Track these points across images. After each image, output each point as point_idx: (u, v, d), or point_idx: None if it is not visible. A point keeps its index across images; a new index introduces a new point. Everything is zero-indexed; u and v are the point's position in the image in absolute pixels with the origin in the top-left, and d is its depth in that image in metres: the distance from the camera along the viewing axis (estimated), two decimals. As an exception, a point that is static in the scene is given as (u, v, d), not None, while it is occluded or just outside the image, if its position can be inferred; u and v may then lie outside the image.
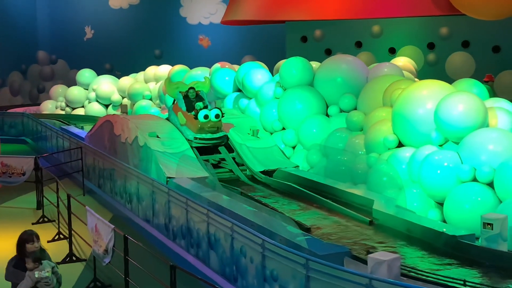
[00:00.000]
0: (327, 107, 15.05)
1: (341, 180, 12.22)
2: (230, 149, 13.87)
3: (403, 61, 20.16)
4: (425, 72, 21.60)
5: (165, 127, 14.12)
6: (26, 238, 7.04)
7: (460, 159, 10.58)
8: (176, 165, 12.71)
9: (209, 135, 13.41)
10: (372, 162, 12.08)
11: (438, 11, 21.83)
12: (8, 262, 7.14)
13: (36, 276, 6.78)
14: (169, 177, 12.27)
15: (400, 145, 12.09)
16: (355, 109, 14.26)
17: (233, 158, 13.69)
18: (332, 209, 10.75)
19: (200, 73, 19.90)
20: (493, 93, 16.21)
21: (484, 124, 10.90)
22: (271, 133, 15.60)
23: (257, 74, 17.02)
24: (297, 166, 13.58)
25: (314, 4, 23.24)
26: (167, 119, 14.81)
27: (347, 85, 14.83)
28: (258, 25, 26.85)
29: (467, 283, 6.99)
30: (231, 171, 13.51)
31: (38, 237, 7.08)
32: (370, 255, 7.13)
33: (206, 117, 13.29)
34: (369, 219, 9.93)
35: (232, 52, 27.73)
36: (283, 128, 15.48)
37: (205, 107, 13.89)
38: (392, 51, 23.74)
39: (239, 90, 17.72)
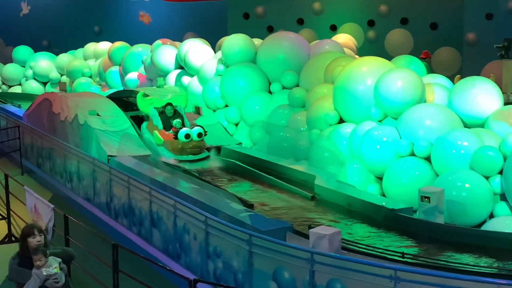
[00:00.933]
0: (270, 84, 15.09)
1: (284, 156, 12.34)
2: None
3: (343, 38, 20.35)
4: (365, 49, 21.87)
5: (106, 105, 13.87)
6: (27, 232, 6.34)
7: (399, 134, 10.81)
8: (117, 144, 12.55)
9: (190, 157, 12.13)
10: (314, 138, 12.22)
11: (377, -11, 22.12)
12: (10, 260, 6.49)
13: (44, 274, 6.19)
14: (110, 156, 12.11)
15: (341, 121, 12.25)
16: (297, 86, 14.35)
17: (176, 136, 13.60)
18: (275, 185, 10.84)
19: (141, 50, 19.58)
20: (430, 70, 16.59)
21: (422, 99, 11.15)
22: (214, 111, 15.55)
23: (199, 51, 16.88)
24: (240, 143, 13.62)
25: (256, -19, 23.18)
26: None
27: (289, 62, 14.88)
28: (200, 1, 26.60)
29: (405, 255, 7.19)
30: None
31: (40, 230, 6.38)
32: (311, 230, 7.24)
33: (187, 136, 12.07)
34: (311, 195, 10.06)
35: (174, 29, 27.35)
36: (226, 106, 15.45)
37: (183, 125, 12.61)
38: (333, 28, 23.92)
39: (181, 68, 17.55)
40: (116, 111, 13.63)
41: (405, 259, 7.14)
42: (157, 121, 12.66)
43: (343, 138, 11.74)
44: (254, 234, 7.14)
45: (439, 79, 12.40)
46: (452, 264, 6.98)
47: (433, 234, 8.18)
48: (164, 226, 9.15)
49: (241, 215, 8.41)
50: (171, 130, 12.31)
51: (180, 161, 12.01)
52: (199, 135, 12.24)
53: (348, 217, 9.07)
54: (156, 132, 12.49)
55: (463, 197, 9.23)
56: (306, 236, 7.55)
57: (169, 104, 12.92)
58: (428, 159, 10.34)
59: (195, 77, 16.65)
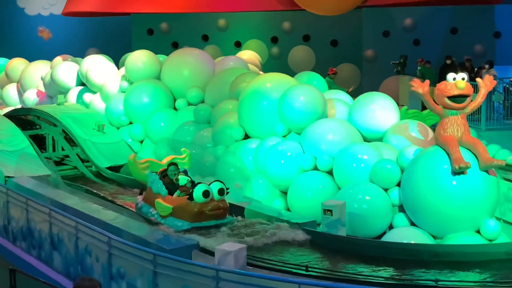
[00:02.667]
0: (175, 100, 15.00)
1: (190, 173, 12.23)
2: (75, 144, 13.40)
3: (248, 54, 20.56)
4: (269, 65, 22.18)
5: (2, 124, 13.32)
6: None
7: (302, 149, 11.00)
8: (15, 164, 12.06)
9: (212, 222, 9.25)
10: (220, 154, 12.23)
11: (280, 6, 22.53)
12: None
13: None
14: (8, 176, 11.60)
15: (246, 136, 12.33)
16: (203, 102, 14.34)
17: (77, 155, 13.24)
18: (181, 203, 10.69)
19: (40, 66, 18.93)
20: (336, 86, 17.09)
21: (324, 115, 11.41)
22: (118, 128, 15.25)
23: (101, 67, 16.53)
24: (145, 161, 13.39)
25: (160, -3, 23.05)
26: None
27: (194, 79, 14.87)
28: (103, 17, 26.10)
29: (309, 269, 7.29)
30: (75, 168, 13.06)
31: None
32: (217, 247, 7.21)
33: (206, 194, 9.20)
34: (218, 211, 9.98)
35: (75, 45, 26.62)
36: (130, 123, 15.19)
37: (193, 182, 9.86)
38: (238, 45, 24.13)
39: (83, 84, 17.11)
40: (13, 130, 13.11)
41: (309, 273, 7.23)
42: (159, 187, 9.83)
43: (248, 154, 11.82)
44: (158, 253, 7.02)
45: (340, 95, 12.76)
46: (354, 276, 7.14)
47: (336, 246, 8.36)
48: (65, 249, 8.84)
49: (146, 234, 8.27)
50: (178, 191, 9.65)
51: (198, 228, 9.10)
52: (221, 191, 9.36)
53: (255, 232, 9.07)
54: (159, 201, 9.65)
55: (364, 209, 9.49)
56: (212, 253, 7.51)
57: (173, 164, 10.15)
58: (330, 172, 10.58)
59: (97, 94, 16.28)
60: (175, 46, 23.81)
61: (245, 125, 12.26)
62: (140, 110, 14.82)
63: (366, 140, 11.04)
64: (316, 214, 9.29)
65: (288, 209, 10.77)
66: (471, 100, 9.19)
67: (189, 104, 14.63)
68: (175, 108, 14.86)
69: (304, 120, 11.21)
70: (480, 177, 8.89)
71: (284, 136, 11.67)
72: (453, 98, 9.01)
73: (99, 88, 16.25)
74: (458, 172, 8.74)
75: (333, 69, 18.57)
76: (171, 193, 9.69)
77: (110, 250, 7.77)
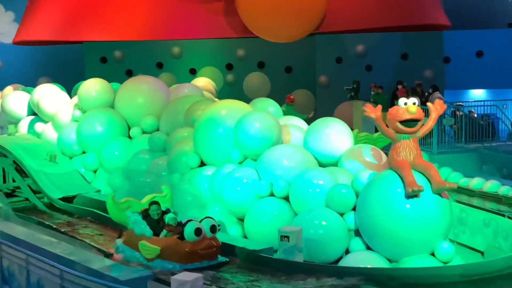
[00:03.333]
0: (129, 129, 14.85)
1: (145, 202, 12.08)
2: (26, 175, 13.12)
3: (203, 81, 20.60)
4: (224, 92, 22.25)
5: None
6: None
7: (258, 175, 11.00)
8: (-38, 196, 11.72)
9: (205, 263, 8.51)
10: (175, 183, 12.11)
11: (234, 34, 22.68)
12: None
13: None
14: (-46, 209, 11.25)
15: (202, 164, 12.27)
16: (157, 130, 14.24)
17: (29, 186, 12.94)
18: (136, 233, 10.53)
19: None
20: (295, 113, 17.28)
21: (279, 141, 11.46)
22: (70, 158, 14.99)
23: (53, 96, 16.29)
24: (99, 191, 13.22)
25: (113, 25, 22.90)
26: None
27: (149, 106, 14.78)
28: (55, 45, 25.81)
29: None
30: (27, 199, 12.76)
31: None
32: (173, 277, 7.09)
33: (198, 232, 8.50)
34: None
35: (26, 74, 26.22)
36: (83, 152, 14.96)
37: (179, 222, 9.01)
38: (193, 72, 24.15)
39: (34, 114, 16.81)
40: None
41: (266, 300, 7.18)
42: (143, 228, 9.04)
43: (204, 181, 11.75)
44: (112, 285, 6.87)
45: (295, 121, 12.85)
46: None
47: (293, 273, 8.31)
48: (17, 283, 8.59)
49: (100, 265, 8.07)
50: (166, 231, 8.90)
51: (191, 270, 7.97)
52: (213, 228, 8.68)
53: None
54: (144, 242, 8.81)
55: (320, 235, 9.51)
56: (168, 284, 7.38)
57: (155, 203, 9.40)
58: (286, 198, 10.58)
59: (49, 124, 16.00)
60: (129, 74, 23.68)
61: (201, 152, 12.21)
62: (94, 139, 14.61)
63: (321, 165, 11.12)
64: (273, 241, 9.25)
65: (245, 236, 10.71)
66: (423, 124, 9.35)
67: (143, 132, 14.51)
68: (129, 137, 14.71)
69: (260, 147, 11.23)
70: (433, 200, 9.02)
71: (240, 163, 11.66)
72: (404, 122, 9.15)
73: (51, 117, 15.99)
74: (412, 195, 8.85)
75: (291, 97, 18.81)
76: (156, 233, 8.96)
77: (63, 283, 7.61)
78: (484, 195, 12.34)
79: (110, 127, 14.68)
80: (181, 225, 8.70)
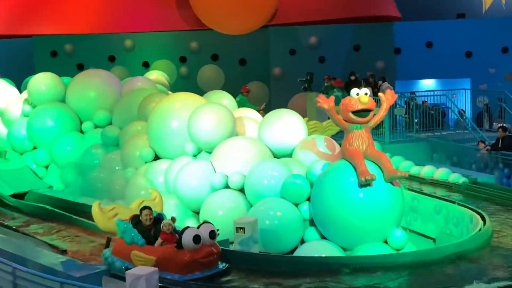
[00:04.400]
0: (81, 123, 14.64)
1: (99, 197, 11.94)
2: None
3: (156, 74, 20.44)
4: (178, 85, 22.13)
5: None
6: None
7: (213, 168, 10.99)
8: None
9: (206, 272, 7.88)
10: (129, 177, 12.02)
11: (187, 26, 22.56)
12: None
13: None
14: None
15: (156, 158, 12.19)
16: (110, 124, 14.07)
17: (-22, 183, 12.66)
18: (90, 228, 10.44)
19: None
20: (249, 104, 17.34)
21: (233, 133, 11.46)
22: (21, 154, 14.70)
23: (2, 91, 15.93)
24: (51, 187, 13.02)
25: (63, 18, 22.48)
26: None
27: (101, 100, 14.59)
28: (3, 39, 25.21)
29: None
30: (-23, 197, 12.47)
31: None
32: (127, 271, 7.04)
33: (197, 239, 7.80)
34: (128, 235, 9.78)
35: (-27, 69, 25.62)
36: (34, 148, 14.68)
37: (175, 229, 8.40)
38: (146, 65, 23.93)
39: (-18, 109, 16.41)
40: None
41: (223, 292, 7.19)
42: (134, 236, 8.27)
43: (159, 175, 11.67)
44: (65, 281, 6.79)
45: (249, 113, 12.87)
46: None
47: (250, 264, 8.34)
48: (-34, 283, 8.38)
49: (53, 262, 7.97)
50: (161, 240, 8.17)
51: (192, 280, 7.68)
52: (212, 234, 8.03)
53: (166, 254, 8.94)
54: (137, 252, 8.11)
55: (275, 225, 9.57)
56: (123, 278, 7.33)
57: (147, 208, 8.61)
58: (241, 190, 10.61)
59: (-2, 119, 15.67)
60: (80, 68, 23.32)
61: (155, 146, 12.13)
62: (45, 134, 14.36)
63: (275, 156, 11.18)
64: (229, 233, 9.27)
65: (201, 229, 10.68)
66: (374, 114, 9.49)
67: (96, 126, 14.33)
68: (81, 131, 14.51)
69: (214, 139, 11.22)
70: (385, 189, 9.17)
71: (194, 156, 11.62)
72: (357, 112, 9.27)
73: (0, 112, 15.64)
74: (364, 184, 8.97)
75: (246, 87, 18.85)
76: (148, 242, 8.23)
77: (15, 280, 7.47)
78: (435, 183, 12.63)
79: (61, 122, 14.45)
80: (177, 232, 8.13)
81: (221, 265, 8.05)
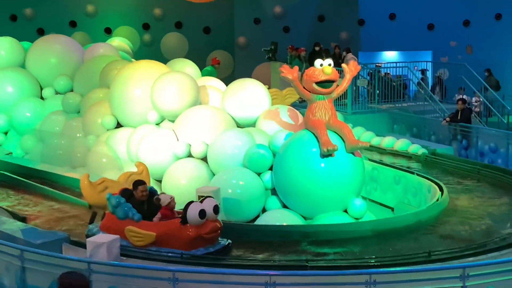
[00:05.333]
0: (41, 89, 14.39)
1: (59, 164, 11.86)
2: None
3: (118, 41, 20.11)
4: (141, 52, 21.85)
5: None
6: None
7: (176, 136, 10.95)
8: None
9: (212, 248, 7.68)
10: (91, 145, 11.91)
11: (151, -8, 22.25)
12: None
13: None
14: None
15: (118, 125, 12.09)
16: (71, 91, 13.85)
17: None
18: (50, 195, 10.36)
19: None
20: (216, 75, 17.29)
21: (197, 102, 11.41)
22: (-20, 120, 14.40)
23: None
24: (10, 153, 12.83)
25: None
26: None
27: (62, 66, 14.34)
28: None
29: (184, 255, 7.29)
30: None
31: None
32: (88, 239, 7.04)
33: (202, 214, 7.57)
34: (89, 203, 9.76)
35: None
36: (-7, 114, 14.40)
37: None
38: (108, 31, 23.54)
39: None
40: None
41: (184, 260, 7.24)
42: (129, 211, 7.91)
43: (121, 143, 11.58)
44: (25, 248, 6.74)
45: (213, 82, 12.81)
46: (230, 260, 7.23)
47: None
48: None
49: (12, 229, 7.91)
50: (160, 215, 7.89)
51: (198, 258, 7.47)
52: (216, 209, 7.79)
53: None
54: (133, 228, 7.75)
55: (238, 194, 9.63)
56: (84, 246, 7.32)
57: (141, 182, 8.26)
58: (204, 159, 10.62)
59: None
60: (41, 32, 22.81)
61: (117, 113, 12.01)
62: (4, 100, 14.08)
63: (239, 126, 11.19)
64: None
65: (163, 197, 10.69)
66: (338, 85, 9.55)
67: (57, 93, 14.09)
68: (41, 98, 14.27)
69: (177, 108, 11.16)
70: (347, 159, 9.28)
71: (157, 124, 11.56)
72: (320, 83, 9.31)
73: (-43, 78, 15.24)
74: (326, 154, 9.07)
75: (217, 59, 18.72)
76: (147, 215, 7.91)
77: (-27, 249, 7.35)
78: (395, 153, 12.85)
79: (21, 88, 14.19)
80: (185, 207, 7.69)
81: (223, 241, 7.84)
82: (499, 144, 13.24)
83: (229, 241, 7.86)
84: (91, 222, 8.66)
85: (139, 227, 7.73)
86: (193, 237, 7.50)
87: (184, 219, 7.56)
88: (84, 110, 12.61)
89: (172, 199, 7.98)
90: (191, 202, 7.68)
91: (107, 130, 11.99)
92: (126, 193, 8.15)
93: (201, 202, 7.68)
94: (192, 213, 7.51)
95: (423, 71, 16.64)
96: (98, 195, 8.64)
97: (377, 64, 19.81)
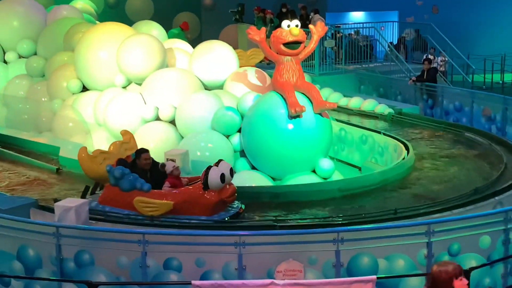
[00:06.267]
0: (4, 53, 14.06)
1: (24, 129, 11.71)
2: None
3: (82, 3, 19.70)
4: (105, 14, 21.39)
5: None
6: None
7: (143, 99, 10.86)
8: None
9: (232, 211, 7.63)
10: (57, 109, 11.75)
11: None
12: None
13: None
14: None
15: (84, 89, 11.93)
16: (35, 54, 13.58)
17: None
18: (17, 160, 10.24)
19: None
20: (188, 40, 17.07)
21: (164, 64, 11.30)
22: None
23: None
24: (-27, 119, 12.59)
25: None
26: None
27: (25, 29, 13.98)
28: None
29: (154, 220, 7.31)
30: None
31: None
32: (56, 203, 7.00)
33: (223, 178, 7.41)
34: (56, 167, 9.70)
35: None
36: (-45, 79, 14.05)
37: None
38: (71, -7, 22.98)
39: None
40: None
41: (154, 222, 7.27)
42: (136, 181, 7.51)
43: (87, 107, 11.46)
44: (-8, 214, 6.68)
45: (179, 44, 12.67)
46: (198, 221, 7.27)
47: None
48: None
49: (-22, 195, 7.83)
50: (169, 184, 7.66)
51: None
52: (231, 172, 7.60)
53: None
54: (143, 199, 7.44)
55: (206, 157, 9.63)
56: (52, 210, 7.28)
57: (144, 150, 7.97)
58: (172, 122, 10.57)
59: None
60: (2, -5, 22.16)
61: (83, 77, 11.84)
62: (-35, 65, 13.75)
63: (206, 88, 11.13)
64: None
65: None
66: (305, 46, 9.54)
67: (20, 56, 13.79)
68: (4, 62, 13.96)
69: (144, 71, 11.04)
70: (315, 120, 9.34)
71: (124, 88, 11.43)
72: (287, 44, 9.30)
73: None
74: (294, 116, 9.11)
75: (186, 23, 18.48)
76: (157, 183, 7.62)
77: None
78: (362, 114, 12.96)
79: (-18, 52, 13.85)
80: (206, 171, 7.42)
81: (237, 204, 7.73)
82: (464, 103, 13.43)
83: (242, 204, 7.75)
84: (84, 196, 8.15)
85: (151, 197, 7.41)
86: (215, 202, 7.38)
87: (205, 185, 7.36)
88: (49, 73, 12.41)
89: (174, 168, 7.78)
90: (210, 166, 7.43)
91: (73, 94, 11.84)
92: (124, 163, 7.74)
93: (217, 166, 7.44)
94: (214, 178, 7.31)
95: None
96: (98, 168, 8.09)
97: (337, 25, 19.75)
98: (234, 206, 7.67)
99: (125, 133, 8.89)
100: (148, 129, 10.54)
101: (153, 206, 7.38)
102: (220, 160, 7.58)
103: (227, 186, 7.48)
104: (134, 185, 7.48)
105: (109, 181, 7.59)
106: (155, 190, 7.50)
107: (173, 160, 8.48)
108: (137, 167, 7.73)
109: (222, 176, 7.34)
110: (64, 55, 12.53)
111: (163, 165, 7.90)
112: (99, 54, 11.53)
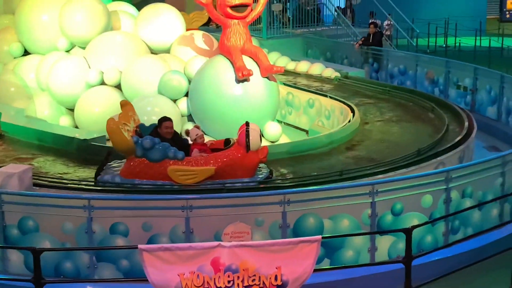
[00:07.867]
0: None
1: (-36, 95, 11.30)
2: None
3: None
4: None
5: None
6: None
7: (88, 63, 10.64)
8: None
9: (264, 173, 7.70)
10: (-2, 73, 11.41)
11: None
12: None
13: None
14: None
15: (26, 53, 11.61)
16: (-27, 17, 13.10)
17: None
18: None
19: None
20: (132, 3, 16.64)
21: (108, 27, 11.07)
22: None
23: None
24: None
25: None
26: None
27: (-40, -9, 13.45)
28: None
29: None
30: None
31: None
32: (-1, 170, 6.85)
33: (261, 139, 7.52)
34: (-2, 133, 9.47)
35: None
36: None
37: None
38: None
39: None
40: None
41: (99, 187, 7.19)
42: (168, 150, 7.26)
43: (29, 71, 11.17)
44: None
45: (125, 7, 12.41)
46: (146, 187, 7.23)
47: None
48: None
49: None
50: (198, 150, 7.56)
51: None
52: (261, 133, 7.80)
53: (41, 153, 8.75)
54: (178, 168, 7.23)
55: (154, 121, 9.43)
56: (-5, 177, 7.12)
57: (167, 119, 7.77)
58: (118, 86, 10.41)
59: None
60: None
61: (24, 40, 11.52)
62: None
63: (153, 52, 10.98)
64: (105, 129, 9.11)
65: (76, 126, 10.49)
66: (252, 9, 9.49)
67: (-43, 19, 13.28)
68: None
69: (88, 34, 10.80)
70: (262, 84, 9.36)
71: (67, 51, 11.17)
72: (234, 7, 9.23)
73: None
74: (242, 80, 9.10)
75: None
76: (185, 151, 7.39)
77: None
78: (309, 77, 13.03)
79: None
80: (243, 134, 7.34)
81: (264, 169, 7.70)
82: (408, 66, 13.64)
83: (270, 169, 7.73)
84: (99, 172, 7.54)
85: (189, 165, 7.20)
86: (257, 162, 7.40)
87: (247, 146, 7.29)
88: (-12, 37, 12.00)
89: (198, 136, 7.67)
90: (246, 130, 7.33)
91: (14, 57, 11.54)
92: (152, 133, 7.50)
93: (248, 127, 7.37)
94: (255, 139, 7.29)
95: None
96: (127, 138, 7.23)
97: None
98: (261, 166, 7.67)
99: (125, 103, 7.95)
100: (93, 94, 10.36)
101: (191, 173, 7.18)
102: (247, 122, 7.49)
103: (263, 147, 7.54)
104: (165, 154, 7.20)
105: (136, 153, 7.21)
106: (189, 157, 7.34)
107: (197, 127, 8.11)
108: (159, 136, 7.47)
109: (260, 137, 7.41)
110: (4, 18, 12.19)
111: (187, 131, 7.83)
112: (41, 17, 11.23)
